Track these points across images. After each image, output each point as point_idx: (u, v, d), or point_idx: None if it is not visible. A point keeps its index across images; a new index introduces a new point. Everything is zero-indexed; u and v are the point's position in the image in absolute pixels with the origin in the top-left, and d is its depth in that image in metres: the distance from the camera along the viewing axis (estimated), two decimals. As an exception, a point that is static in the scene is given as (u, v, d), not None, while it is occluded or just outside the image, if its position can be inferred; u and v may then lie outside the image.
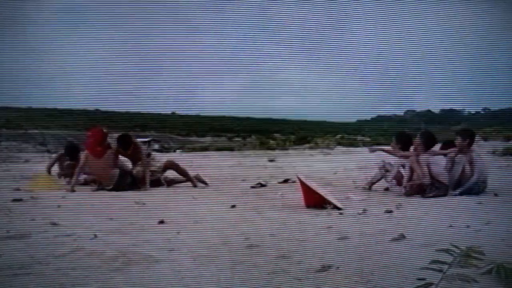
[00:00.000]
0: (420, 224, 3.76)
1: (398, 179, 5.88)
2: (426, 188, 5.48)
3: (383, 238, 3.29)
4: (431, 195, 5.39)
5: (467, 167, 5.55)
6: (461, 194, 5.45)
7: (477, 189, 5.48)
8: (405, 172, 5.73)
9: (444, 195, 5.42)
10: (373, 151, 6.35)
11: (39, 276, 2.63)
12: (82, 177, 6.72)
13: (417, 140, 5.75)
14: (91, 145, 6.46)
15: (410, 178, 5.62)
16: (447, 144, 5.91)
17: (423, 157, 5.59)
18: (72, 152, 7.13)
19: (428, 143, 5.71)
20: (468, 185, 5.50)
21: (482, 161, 5.69)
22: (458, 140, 5.65)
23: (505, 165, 7.15)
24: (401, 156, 5.90)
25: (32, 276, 2.64)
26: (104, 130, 6.56)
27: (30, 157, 11.77)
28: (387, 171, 5.98)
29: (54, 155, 8.00)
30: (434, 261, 2.18)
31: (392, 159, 6.03)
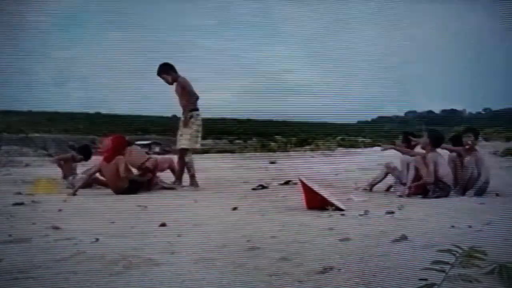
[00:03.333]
0: (422, 225, 3.75)
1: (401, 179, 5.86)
2: (429, 188, 5.46)
3: (384, 239, 3.28)
4: (433, 196, 5.37)
5: (475, 168, 5.53)
6: (475, 195, 5.40)
7: (484, 189, 5.47)
8: (410, 172, 5.70)
9: (446, 196, 5.40)
10: (385, 149, 6.32)
11: (39, 280, 2.63)
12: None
13: (425, 139, 5.71)
14: (106, 152, 6.42)
15: (414, 178, 5.60)
16: (455, 140, 5.88)
17: (431, 156, 5.55)
18: (87, 153, 7.21)
19: (436, 142, 5.68)
20: (479, 186, 5.48)
21: (487, 160, 5.68)
22: (471, 139, 5.61)
23: (506, 166, 7.13)
24: (414, 155, 5.84)
25: (33, 280, 2.63)
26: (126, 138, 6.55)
27: (31, 161, 11.75)
28: (391, 171, 5.96)
29: (56, 156, 8.03)
30: (436, 262, 2.17)
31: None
